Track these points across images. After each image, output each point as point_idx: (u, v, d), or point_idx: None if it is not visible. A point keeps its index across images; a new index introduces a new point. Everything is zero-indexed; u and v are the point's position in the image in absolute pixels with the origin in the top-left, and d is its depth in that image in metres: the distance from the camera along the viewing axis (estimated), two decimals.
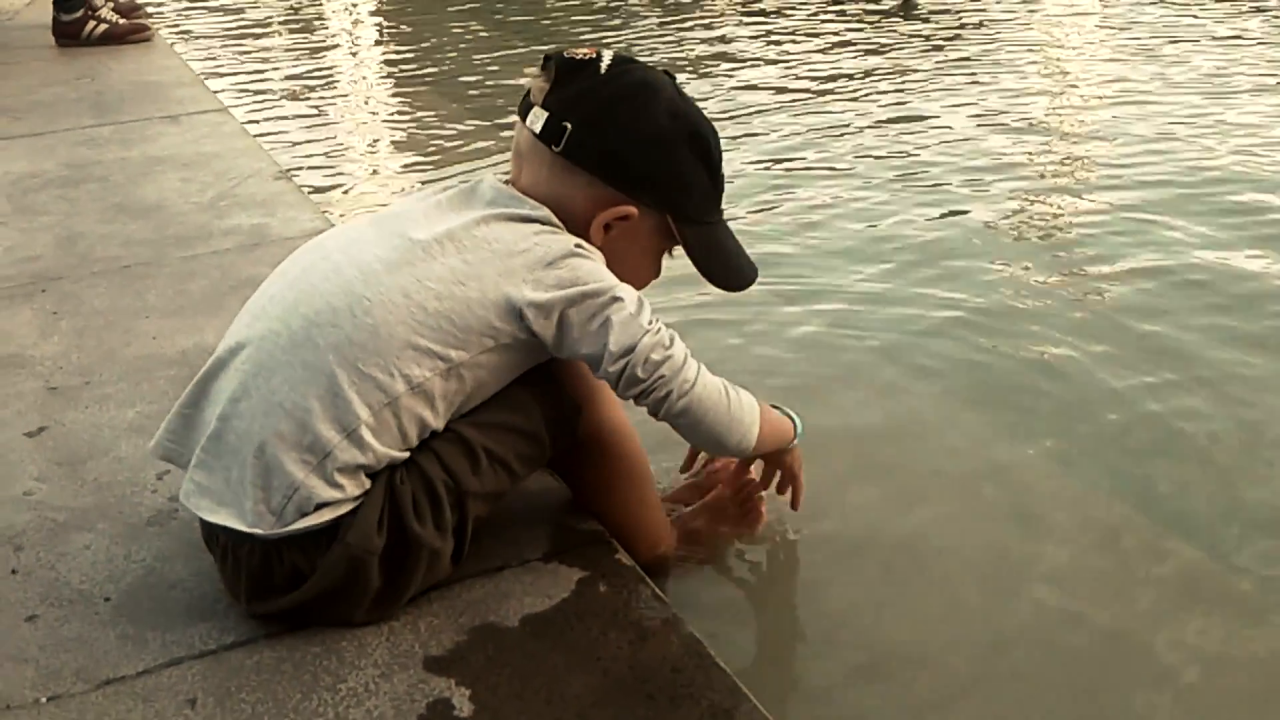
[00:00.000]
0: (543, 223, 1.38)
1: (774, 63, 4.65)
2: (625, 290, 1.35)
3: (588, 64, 1.40)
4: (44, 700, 1.25)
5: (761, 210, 3.06)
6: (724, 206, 1.51)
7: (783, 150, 3.58)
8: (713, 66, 4.66)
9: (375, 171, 3.67)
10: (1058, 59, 4.82)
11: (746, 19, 5.52)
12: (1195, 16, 5.28)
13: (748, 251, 1.53)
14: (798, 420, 1.58)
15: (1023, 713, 1.44)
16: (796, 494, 1.65)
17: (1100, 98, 4.13)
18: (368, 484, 1.31)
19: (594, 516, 1.53)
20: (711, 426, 1.41)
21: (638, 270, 1.47)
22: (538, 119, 1.39)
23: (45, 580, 1.43)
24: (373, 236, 1.39)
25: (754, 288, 1.53)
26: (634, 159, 1.40)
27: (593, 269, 1.35)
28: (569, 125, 1.37)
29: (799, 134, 3.72)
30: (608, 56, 1.41)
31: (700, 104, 1.49)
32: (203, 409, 1.36)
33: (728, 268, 1.50)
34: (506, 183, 1.44)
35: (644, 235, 1.44)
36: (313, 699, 1.23)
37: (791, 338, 2.38)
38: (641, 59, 1.51)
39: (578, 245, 1.36)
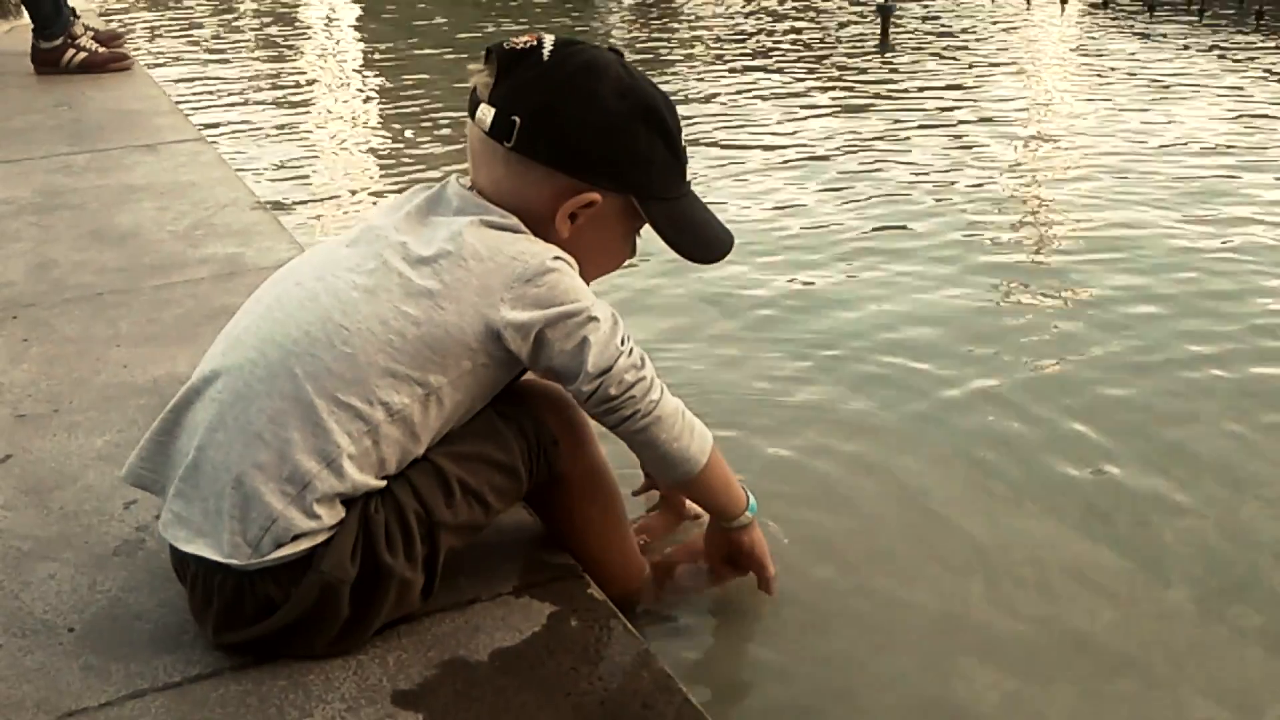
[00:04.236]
0: (513, 231, 1.36)
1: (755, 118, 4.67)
2: (601, 309, 1.35)
3: (530, 52, 1.36)
4: None
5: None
6: (689, 179, 1.48)
7: (760, 201, 3.61)
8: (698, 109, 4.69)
9: (355, 201, 3.67)
10: (1043, 93, 4.88)
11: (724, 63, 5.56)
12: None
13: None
14: (752, 498, 1.54)
15: None
16: (762, 576, 1.58)
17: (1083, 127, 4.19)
18: (343, 512, 1.30)
19: (568, 552, 1.52)
20: (664, 448, 1.39)
21: (611, 255, 1.49)
22: (486, 115, 1.36)
23: (8, 610, 1.41)
24: (347, 259, 1.37)
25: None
26: (589, 145, 1.37)
27: (570, 286, 1.34)
28: (518, 119, 1.35)
29: (778, 187, 3.75)
30: (549, 42, 1.37)
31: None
32: (178, 437, 1.35)
33: (698, 240, 1.48)
34: (469, 188, 1.42)
35: (611, 219, 1.43)
36: None
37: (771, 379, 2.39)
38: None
39: (555, 257, 1.34)
